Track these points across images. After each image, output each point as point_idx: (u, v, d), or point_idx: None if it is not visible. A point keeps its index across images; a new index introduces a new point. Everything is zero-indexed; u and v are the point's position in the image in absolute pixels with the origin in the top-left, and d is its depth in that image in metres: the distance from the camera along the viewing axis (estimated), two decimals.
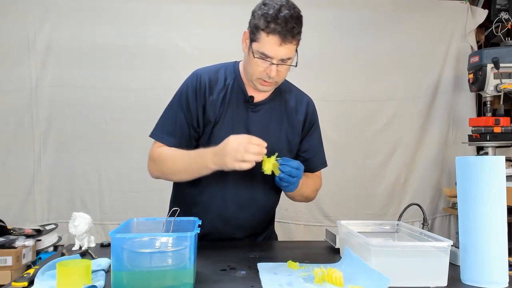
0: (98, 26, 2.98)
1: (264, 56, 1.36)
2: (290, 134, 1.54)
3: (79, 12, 2.97)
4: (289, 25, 1.31)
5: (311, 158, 1.59)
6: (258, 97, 1.51)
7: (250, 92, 1.50)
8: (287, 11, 1.31)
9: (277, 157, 1.37)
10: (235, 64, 1.55)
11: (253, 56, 1.37)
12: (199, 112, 1.47)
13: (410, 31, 3.22)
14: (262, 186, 1.51)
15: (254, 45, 1.37)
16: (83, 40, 2.96)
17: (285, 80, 1.56)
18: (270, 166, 1.34)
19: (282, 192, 1.68)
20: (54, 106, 2.97)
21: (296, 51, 1.40)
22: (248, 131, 1.47)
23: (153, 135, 1.50)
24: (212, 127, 1.47)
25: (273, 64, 1.36)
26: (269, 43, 1.33)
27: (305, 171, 1.54)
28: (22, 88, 2.93)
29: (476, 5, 3.32)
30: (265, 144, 1.31)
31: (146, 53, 3.01)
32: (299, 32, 1.36)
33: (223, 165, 1.32)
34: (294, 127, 1.55)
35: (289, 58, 1.37)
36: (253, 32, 1.37)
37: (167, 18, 3.04)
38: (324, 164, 1.65)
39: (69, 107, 2.98)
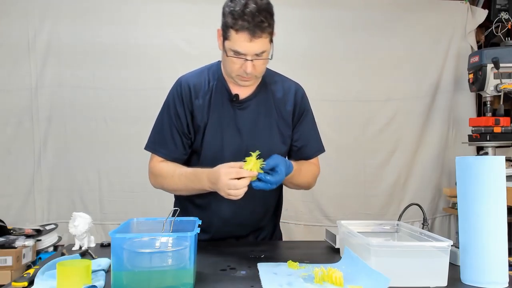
0: (98, 26, 2.98)
1: (237, 54, 1.35)
2: (281, 126, 1.52)
3: (79, 12, 2.96)
4: (256, 20, 1.30)
5: (304, 146, 1.57)
6: (243, 93, 1.50)
7: (234, 90, 1.49)
8: (254, 5, 1.30)
9: (258, 156, 1.33)
10: (218, 64, 1.54)
11: (227, 54, 1.38)
12: (188, 118, 1.48)
13: (410, 31, 3.22)
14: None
15: (226, 43, 1.36)
16: (83, 40, 2.96)
17: (270, 71, 1.56)
18: (251, 167, 1.31)
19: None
20: (54, 106, 2.97)
21: (272, 41, 1.39)
22: (238, 130, 1.48)
23: (148, 147, 1.53)
24: (203, 131, 1.47)
25: (247, 60, 1.36)
26: (239, 40, 1.33)
27: (301, 159, 1.56)
28: (22, 88, 2.93)
29: (476, 5, 3.31)
30: (255, 173, 1.29)
31: (146, 53, 3.01)
32: (270, 25, 1.34)
33: (219, 192, 1.34)
34: (284, 118, 1.53)
35: (263, 52, 1.36)
36: (224, 30, 1.36)
37: (167, 18, 3.04)
38: (320, 150, 1.62)
39: (69, 107, 2.98)
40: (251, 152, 1.32)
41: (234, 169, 1.29)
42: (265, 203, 1.59)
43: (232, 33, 1.33)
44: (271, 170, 1.32)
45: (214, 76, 1.51)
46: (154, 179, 1.53)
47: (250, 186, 1.32)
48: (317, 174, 1.63)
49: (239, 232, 1.57)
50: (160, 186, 1.53)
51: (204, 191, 1.42)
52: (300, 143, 1.57)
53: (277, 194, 1.64)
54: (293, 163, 1.44)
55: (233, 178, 1.27)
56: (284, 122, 1.53)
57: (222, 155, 1.45)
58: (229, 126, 1.48)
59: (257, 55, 1.36)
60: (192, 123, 1.48)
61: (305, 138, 1.57)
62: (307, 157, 1.59)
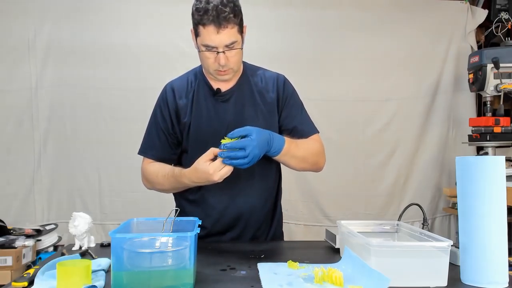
0: (98, 26, 2.98)
1: (209, 48, 1.40)
2: (266, 113, 1.55)
3: (79, 12, 2.97)
4: (220, 12, 1.35)
5: (295, 127, 1.57)
6: (225, 87, 1.54)
7: (216, 85, 1.54)
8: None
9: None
10: (200, 66, 1.59)
11: (199, 50, 1.44)
12: (173, 118, 1.54)
13: (410, 31, 3.22)
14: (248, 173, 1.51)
15: (198, 39, 1.43)
16: (83, 40, 2.97)
17: (253, 66, 1.62)
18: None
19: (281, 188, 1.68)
20: (54, 106, 2.98)
21: (242, 32, 1.44)
22: (223, 123, 1.51)
23: (139, 151, 1.60)
24: (189, 129, 1.52)
25: (219, 52, 1.40)
26: (207, 33, 1.38)
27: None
28: (22, 88, 2.93)
29: (476, 5, 3.32)
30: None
31: (146, 53, 3.01)
32: (235, 15, 1.38)
33: (207, 182, 1.37)
34: (268, 105, 1.56)
35: (233, 43, 1.40)
36: (194, 28, 1.43)
37: (167, 18, 3.04)
38: (314, 130, 1.60)
39: (69, 107, 2.98)
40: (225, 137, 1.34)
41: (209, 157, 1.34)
42: (261, 192, 1.58)
43: (200, 28, 1.39)
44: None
45: (196, 76, 1.57)
46: (145, 181, 1.61)
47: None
48: (321, 149, 1.58)
49: (236, 225, 1.56)
50: (151, 187, 1.60)
51: (189, 187, 1.49)
52: (291, 125, 1.57)
53: (274, 185, 1.64)
54: (286, 138, 1.46)
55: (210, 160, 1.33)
56: (269, 109, 1.56)
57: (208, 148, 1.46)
58: (213, 120, 1.52)
59: (227, 46, 1.40)
60: (178, 123, 1.54)
61: (294, 119, 1.58)
62: (300, 138, 1.57)
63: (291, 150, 1.45)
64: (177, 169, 1.47)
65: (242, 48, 1.46)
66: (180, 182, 1.46)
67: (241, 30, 1.43)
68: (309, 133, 1.59)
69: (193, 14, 1.41)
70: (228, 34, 1.38)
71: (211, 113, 1.52)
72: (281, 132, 1.57)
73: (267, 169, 1.59)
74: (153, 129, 1.57)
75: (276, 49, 3.02)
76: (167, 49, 3.02)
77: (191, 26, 1.45)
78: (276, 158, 1.44)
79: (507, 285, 1.07)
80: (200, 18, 1.37)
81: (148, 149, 1.57)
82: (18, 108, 2.93)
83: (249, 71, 1.59)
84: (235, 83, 1.55)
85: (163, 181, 1.52)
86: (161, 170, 1.52)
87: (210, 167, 1.31)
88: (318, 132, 1.61)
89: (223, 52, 1.40)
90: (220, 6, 1.35)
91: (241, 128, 1.33)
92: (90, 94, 2.99)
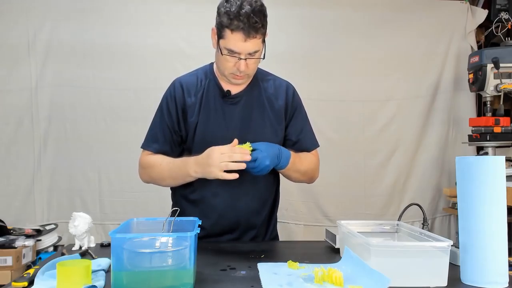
0: (98, 26, 2.98)
1: (231, 52, 1.40)
2: (273, 119, 1.56)
3: (79, 12, 2.97)
4: (251, 21, 1.34)
5: (299, 140, 1.60)
6: (235, 90, 1.54)
7: (226, 86, 1.53)
8: (249, 7, 1.35)
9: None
10: (211, 65, 1.59)
11: (221, 53, 1.42)
12: (179, 115, 1.52)
13: (410, 31, 3.22)
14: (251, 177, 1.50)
15: (221, 42, 1.41)
16: (83, 40, 2.97)
17: (263, 71, 1.62)
18: None
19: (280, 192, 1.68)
20: (54, 106, 2.98)
21: (264, 42, 1.44)
22: (230, 125, 1.51)
23: (142, 145, 1.59)
24: (195, 128, 1.51)
25: (241, 59, 1.40)
26: (234, 39, 1.37)
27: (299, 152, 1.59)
28: (22, 88, 2.93)
29: (476, 5, 3.32)
30: (248, 152, 1.35)
31: (146, 53, 3.01)
32: (263, 26, 1.39)
33: (206, 174, 1.38)
34: (276, 112, 1.56)
35: (256, 51, 1.41)
36: (219, 29, 1.41)
37: (167, 18, 3.04)
38: (315, 144, 1.65)
39: (69, 107, 2.98)
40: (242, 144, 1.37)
41: (238, 148, 1.36)
42: (261, 196, 1.59)
43: (227, 32, 1.38)
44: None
45: (207, 76, 1.56)
46: (142, 171, 1.58)
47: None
48: (318, 164, 1.65)
49: (235, 228, 1.57)
50: (148, 177, 1.57)
51: (189, 178, 1.46)
52: (295, 137, 1.60)
53: (273, 189, 1.65)
54: (291, 152, 1.49)
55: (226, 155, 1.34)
56: (276, 116, 1.56)
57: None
58: (220, 122, 1.52)
59: (250, 54, 1.41)
60: (184, 121, 1.53)
61: (299, 132, 1.60)
62: (304, 150, 1.62)
63: (296, 164, 1.51)
64: (185, 157, 1.47)
65: (263, 58, 1.45)
66: (185, 164, 1.44)
67: (264, 39, 1.43)
68: (311, 147, 1.63)
69: (220, 15, 1.39)
70: (254, 43, 1.39)
71: (219, 115, 1.52)
72: (285, 141, 1.59)
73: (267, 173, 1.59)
74: (157, 123, 1.56)
75: (276, 49, 2.99)
76: (167, 49, 3.02)
77: (212, 25, 1.43)
78: (281, 171, 1.50)
79: (507, 285, 1.07)
80: (229, 22, 1.36)
81: (151, 143, 1.56)
82: (18, 108, 2.93)
83: (259, 76, 1.59)
84: (245, 87, 1.55)
85: (166, 167, 1.49)
86: (165, 158, 1.52)
87: (219, 158, 1.33)
88: (319, 146, 1.66)
89: (245, 59, 1.40)
90: (251, 15, 1.34)
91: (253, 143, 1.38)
92: (90, 94, 2.98)
